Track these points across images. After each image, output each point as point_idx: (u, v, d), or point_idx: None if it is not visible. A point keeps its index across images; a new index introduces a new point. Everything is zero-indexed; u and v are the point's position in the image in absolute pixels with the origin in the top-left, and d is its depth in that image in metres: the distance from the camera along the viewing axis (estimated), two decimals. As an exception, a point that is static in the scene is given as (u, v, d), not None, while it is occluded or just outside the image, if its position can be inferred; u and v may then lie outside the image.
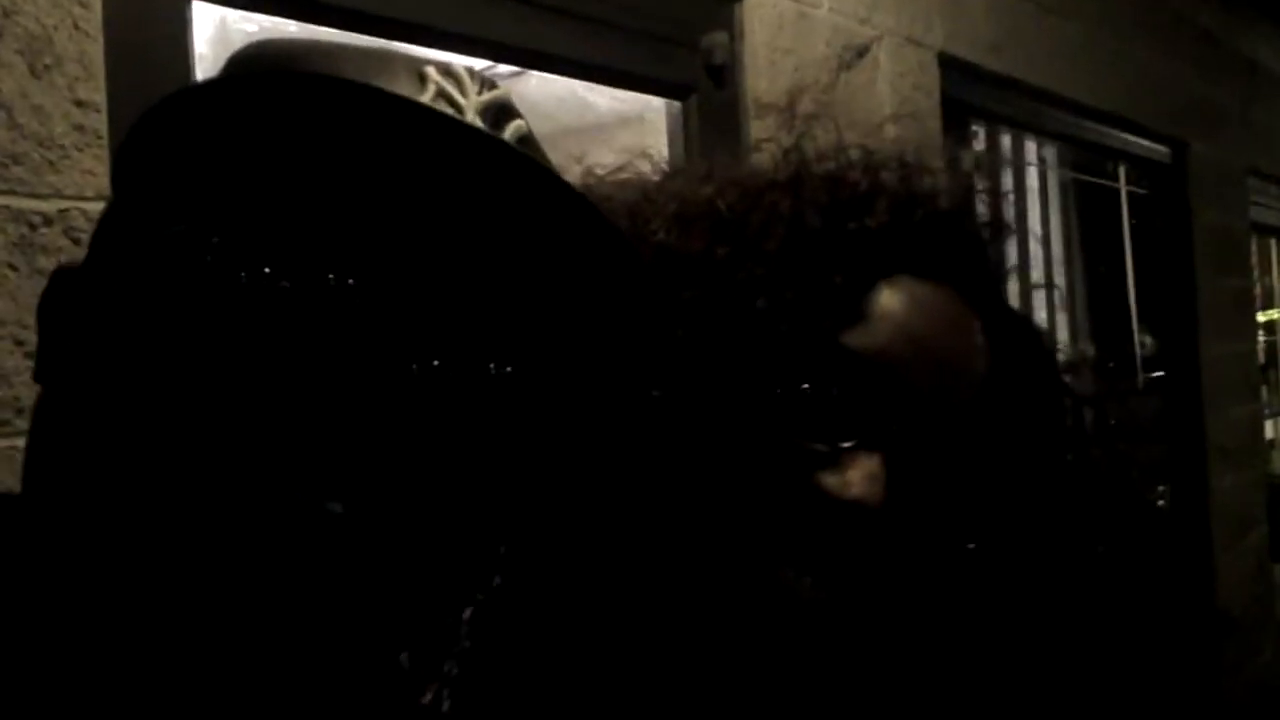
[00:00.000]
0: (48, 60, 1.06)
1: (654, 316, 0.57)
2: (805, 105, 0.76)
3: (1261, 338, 4.51)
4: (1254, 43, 4.14)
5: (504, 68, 1.53)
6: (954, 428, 0.62)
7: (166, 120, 0.48)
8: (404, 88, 0.51)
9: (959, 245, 0.68)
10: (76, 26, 1.08)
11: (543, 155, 0.57)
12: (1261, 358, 4.46)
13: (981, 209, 0.74)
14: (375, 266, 0.48)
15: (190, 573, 0.46)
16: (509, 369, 0.51)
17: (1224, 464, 3.51)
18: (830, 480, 0.60)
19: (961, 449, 0.62)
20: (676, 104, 1.74)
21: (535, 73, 1.58)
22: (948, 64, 2.28)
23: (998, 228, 0.74)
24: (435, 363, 0.49)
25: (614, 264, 0.53)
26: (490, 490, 0.53)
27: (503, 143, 0.51)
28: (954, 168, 0.75)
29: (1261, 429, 4.22)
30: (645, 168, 0.74)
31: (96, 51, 1.09)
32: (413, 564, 0.50)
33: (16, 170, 1.04)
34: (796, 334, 0.62)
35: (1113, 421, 0.76)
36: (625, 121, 1.73)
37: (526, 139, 0.55)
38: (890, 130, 0.76)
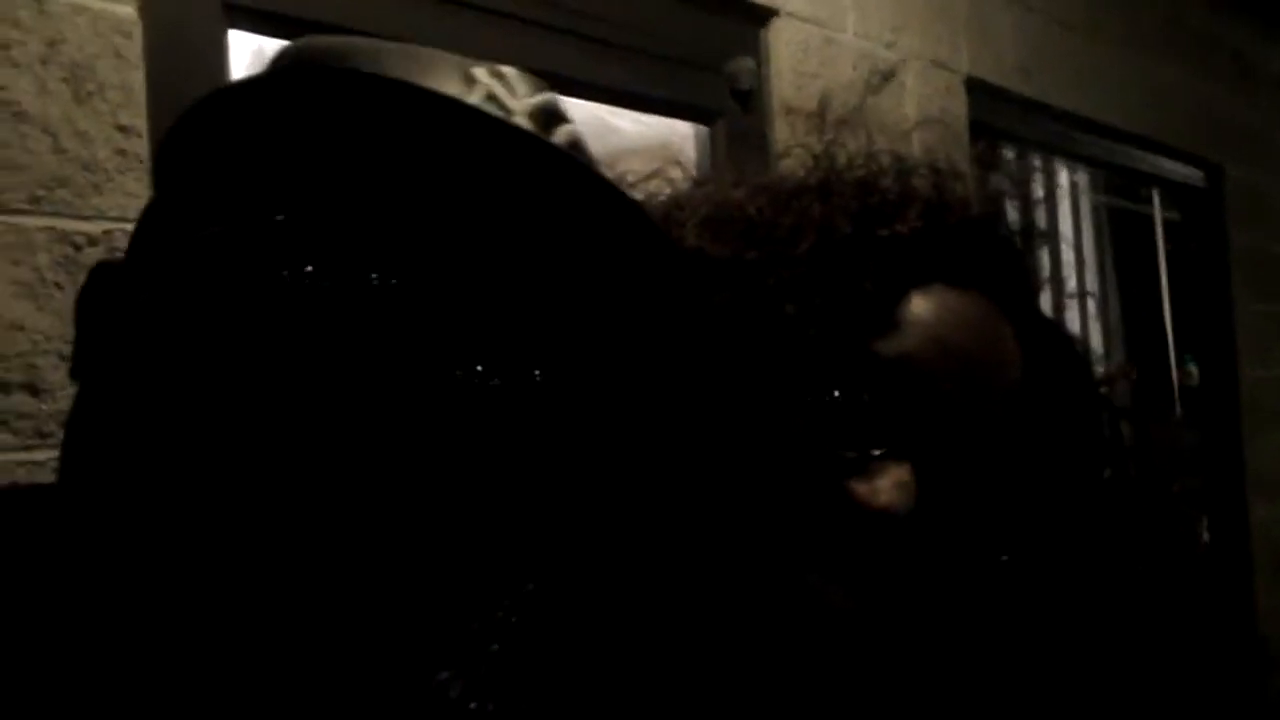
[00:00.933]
0: (91, 87, 1.10)
1: (696, 322, 0.57)
2: (835, 111, 0.76)
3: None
4: (1288, 66, 4.10)
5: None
6: (985, 437, 0.61)
7: (206, 118, 0.48)
8: (450, 89, 0.51)
9: (992, 252, 0.68)
10: (119, 55, 1.12)
11: (593, 160, 0.56)
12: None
13: (1014, 218, 0.74)
14: (417, 268, 0.47)
15: (222, 579, 0.46)
16: (551, 375, 0.51)
17: (1264, 493, 3.44)
18: (860, 488, 0.59)
19: (993, 458, 0.62)
20: (703, 129, 1.76)
21: (562, 97, 1.60)
22: (975, 87, 2.29)
23: (1031, 234, 0.73)
24: (479, 368, 0.48)
25: (661, 269, 0.53)
26: (526, 496, 0.52)
27: (546, 143, 0.50)
28: (985, 179, 0.74)
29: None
30: (676, 174, 0.74)
31: (138, 79, 1.13)
32: (449, 572, 0.49)
33: (61, 193, 1.08)
34: (826, 340, 0.61)
35: (1151, 436, 0.74)
36: (651, 146, 1.75)
37: (577, 144, 0.54)
38: (919, 138, 0.76)
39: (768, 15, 1.84)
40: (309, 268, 0.47)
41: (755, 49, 1.82)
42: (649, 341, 0.54)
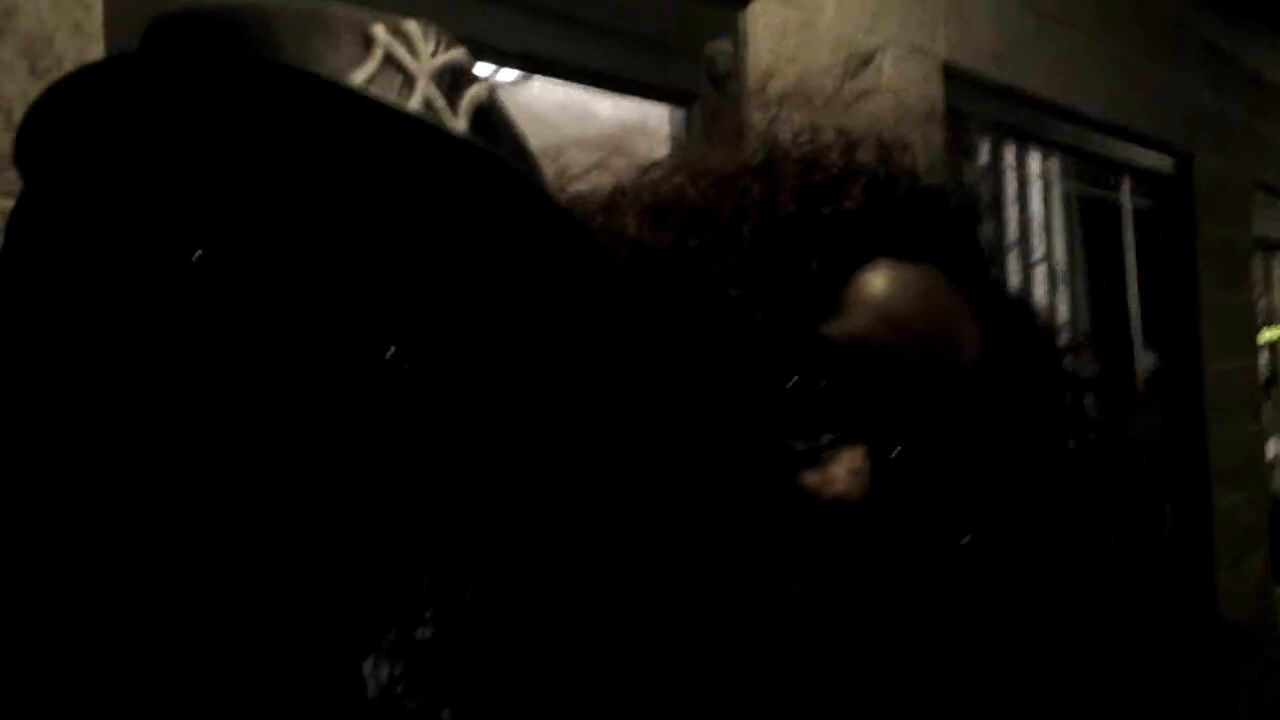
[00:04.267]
0: (48, 62, 1.06)
1: (621, 311, 0.55)
2: (777, 86, 0.73)
3: (1264, 357, 4.50)
4: (1259, 56, 4.14)
5: (507, 74, 1.53)
6: (943, 415, 0.59)
7: (69, 100, 0.45)
8: (346, 51, 0.48)
9: (944, 223, 0.66)
10: (78, 28, 1.08)
11: (506, 124, 0.54)
12: (1263, 375, 4.44)
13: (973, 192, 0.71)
14: (313, 256, 0.45)
15: (126, 577, 0.44)
16: (472, 368, 0.49)
17: (1226, 483, 3.49)
18: (812, 479, 0.57)
19: (952, 437, 0.60)
20: (680, 111, 1.73)
21: (538, 79, 1.58)
22: (951, 74, 2.28)
23: (987, 203, 0.71)
24: (391, 352, 0.46)
25: (576, 255, 0.51)
26: (458, 499, 0.50)
27: (432, 127, 0.48)
28: (947, 155, 0.72)
29: (1262, 448, 4.20)
30: (619, 163, 0.71)
31: (97, 53, 1.09)
32: (382, 559, 0.48)
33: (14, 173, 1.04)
34: (772, 325, 0.59)
35: (1118, 405, 0.72)
36: (628, 129, 1.73)
37: (486, 106, 0.51)
38: (866, 106, 0.73)
39: (747, -2, 1.82)
40: (199, 252, 0.44)
41: (733, 31, 1.80)
42: (574, 333, 0.53)
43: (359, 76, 0.47)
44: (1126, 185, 3.48)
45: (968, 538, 0.60)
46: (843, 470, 0.57)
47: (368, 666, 0.66)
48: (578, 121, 1.64)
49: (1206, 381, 3.47)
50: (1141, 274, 3.51)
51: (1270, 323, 4.79)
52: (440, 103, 0.49)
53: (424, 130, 0.47)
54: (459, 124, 0.49)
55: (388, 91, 0.48)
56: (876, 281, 0.61)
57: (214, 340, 0.44)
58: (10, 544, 0.47)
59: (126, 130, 0.45)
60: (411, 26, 0.51)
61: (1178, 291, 3.49)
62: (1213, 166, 3.61)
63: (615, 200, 0.67)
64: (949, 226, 0.66)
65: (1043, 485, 0.64)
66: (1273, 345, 4.83)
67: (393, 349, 0.46)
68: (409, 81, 0.48)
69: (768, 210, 0.63)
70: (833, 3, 1.99)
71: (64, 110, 0.45)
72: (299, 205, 0.45)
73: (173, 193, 0.45)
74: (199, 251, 0.44)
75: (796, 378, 0.59)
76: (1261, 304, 4.45)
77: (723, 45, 1.76)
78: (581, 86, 1.63)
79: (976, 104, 2.43)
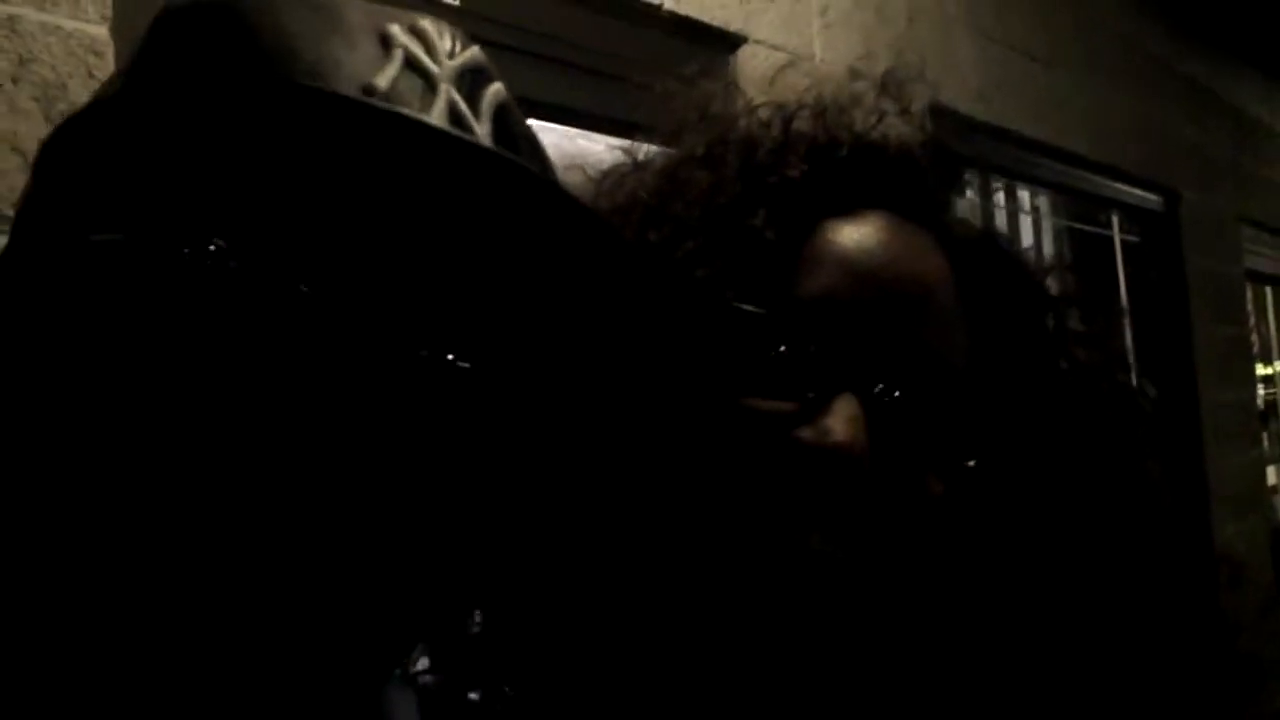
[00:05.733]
0: (62, 107, 1.09)
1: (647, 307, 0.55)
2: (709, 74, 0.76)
3: (1261, 390, 4.51)
4: (1241, 92, 4.20)
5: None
6: (923, 348, 0.60)
7: (99, 121, 0.45)
8: (364, 52, 0.47)
9: (889, 173, 0.67)
10: (91, 74, 1.11)
11: (520, 121, 0.54)
12: (1261, 406, 4.46)
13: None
14: (354, 266, 0.44)
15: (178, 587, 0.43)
16: (507, 365, 0.48)
17: (1227, 511, 3.49)
18: (809, 433, 0.58)
19: (938, 368, 0.61)
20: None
21: (532, 121, 1.62)
22: (937, 113, 2.32)
23: (938, 150, 0.71)
24: (446, 353, 0.45)
25: (603, 253, 0.50)
26: (494, 495, 0.49)
27: (463, 140, 0.46)
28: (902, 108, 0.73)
29: (1264, 475, 4.20)
30: (577, 178, 0.74)
31: (110, 99, 1.13)
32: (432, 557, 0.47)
33: (31, 213, 1.07)
34: (741, 297, 0.61)
35: (1095, 323, 0.73)
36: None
37: (506, 105, 0.51)
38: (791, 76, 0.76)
39: (737, 42, 1.87)
40: (232, 262, 0.43)
41: (724, 74, 1.84)
42: (600, 330, 0.53)
43: (381, 81, 0.46)
44: (1116, 221, 3.52)
45: (973, 461, 0.61)
46: (838, 420, 0.58)
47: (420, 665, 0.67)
48: (573, 161, 1.68)
49: (1204, 411, 3.48)
50: (1135, 308, 3.54)
51: (1263, 354, 4.82)
52: (463, 107, 0.48)
53: (453, 143, 0.46)
54: (483, 127, 0.49)
55: (410, 96, 0.47)
56: (831, 237, 0.63)
57: (233, 346, 0.44)
58: (21, 554, 0.46)
59: (152, 150, 0.45)
60: (427, 24, 0.50)
61: (1171, 324, 3.51)
62: (1199, 202, 3.65)
63: None
64: (895, 175, 0.67)
65: (1039, 403, 0.65)
66: (1271, 380, 4.85)
67: (429, 349, 0.45)
68: (431, 86, 0.48)
69: (715, 193, 0.66)
70: (820, 46, 2.04)
71: (91, 131, 0.45)
72: (325, 211, 0.45)
73: (196, 204, 0.44)
74: (218, 251, 0.43)
75: (773, 343, 0.60)
76: (1257, 336, 4.47)
77: (713, 87, 1.80)
78: (577, 129, 1.67)
79: (963, 143, 2.47)
